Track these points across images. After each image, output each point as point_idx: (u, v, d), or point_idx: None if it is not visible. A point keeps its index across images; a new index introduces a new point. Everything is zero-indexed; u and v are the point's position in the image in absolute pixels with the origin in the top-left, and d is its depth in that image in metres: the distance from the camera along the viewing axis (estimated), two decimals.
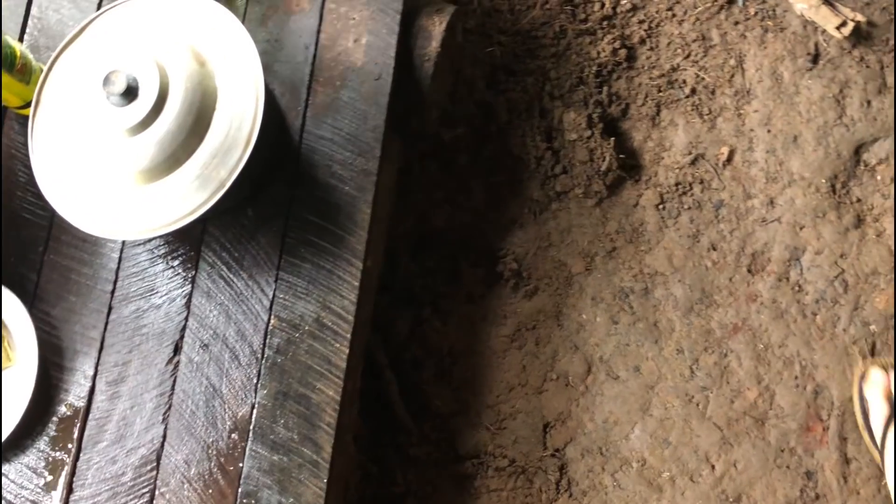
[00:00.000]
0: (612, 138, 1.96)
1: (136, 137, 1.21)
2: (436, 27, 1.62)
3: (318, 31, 1.51)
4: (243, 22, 1.51)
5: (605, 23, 2.09)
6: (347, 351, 1.35)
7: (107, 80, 1.18)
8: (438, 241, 1.94)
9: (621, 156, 1.97)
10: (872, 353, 1.84)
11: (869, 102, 2.00)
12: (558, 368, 1.88)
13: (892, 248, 1.90)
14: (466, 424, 1.85)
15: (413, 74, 1.62)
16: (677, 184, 1.97)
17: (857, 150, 1.98)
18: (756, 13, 2.08)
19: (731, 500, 1.78)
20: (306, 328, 1.37)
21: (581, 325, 1.91)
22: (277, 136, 1.42)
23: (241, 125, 1.23)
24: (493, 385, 1.88)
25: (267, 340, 1.37)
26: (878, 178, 1.96)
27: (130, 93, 1.19)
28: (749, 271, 1.91)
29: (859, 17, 2.02)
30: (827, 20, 2.02)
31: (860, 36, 2.03)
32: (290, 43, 1.50)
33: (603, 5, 2.10)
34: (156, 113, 1.20)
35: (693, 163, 1.98)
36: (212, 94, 1.24)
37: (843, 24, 2.00)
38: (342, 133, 1.45)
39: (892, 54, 2.03)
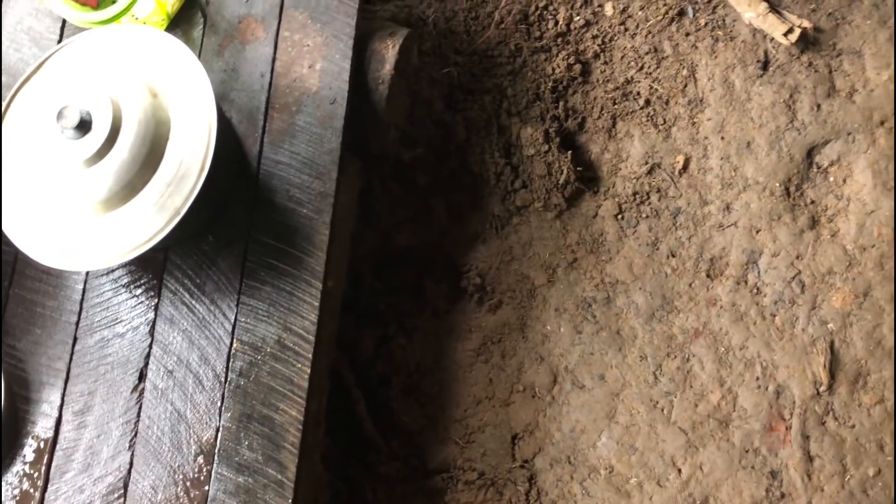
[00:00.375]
0: (570, 152, 2.00)
1: (92, 168, 1.23)
2: (389, 51, 1.65)
3: (274, 59, 1.54)
4: (200, 53, 1.54)
5: (559, 39, 2.13)
6: (309, 371, 1.38)
7: (60, 115, 1.21)
8: (402, 259, 1.96)
9: (579, 168, 2.01)
10: (832, 350, 1.88)
11: (819, 106, 2.04)
12: (524, 380, 1.91)
13: (847, 247, 1.95)
14: (435, 439, 1.87)
15: (369, 97, 1.65)
16: (635, 193, 2.01)
17: (810, 153, 2.02)
18: (706, 24, 2.13)
19: (698, 502, 1.81)
20: (268, 350, 1.39)
21: (546, 337, 1.93)
22: (234, 162, 1.45)
23: (195, 154, 1.26)
24: (460, 399, 1.90)
25: (230, 364, 1.39)
26: (831, 179, 2.00)
27: (84, 126, 1.22)
28: (708, 276, 1.95)
29: (806, 24, 2.07)
30: (775, 28, 2.06)
31: (808, 42, 2.08)
32: (246, 71, 1.53)
33: (557, 23, 2.14)
34: (110, 144, 1.22)
35: (650, 172, 2.02)
36: (165, 124, 1.27)
37: (791, 30, 2.05)
38: (299, 157, 1.48)
39: (840, 58, 2.08)
